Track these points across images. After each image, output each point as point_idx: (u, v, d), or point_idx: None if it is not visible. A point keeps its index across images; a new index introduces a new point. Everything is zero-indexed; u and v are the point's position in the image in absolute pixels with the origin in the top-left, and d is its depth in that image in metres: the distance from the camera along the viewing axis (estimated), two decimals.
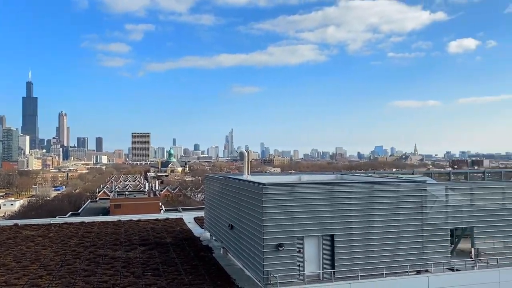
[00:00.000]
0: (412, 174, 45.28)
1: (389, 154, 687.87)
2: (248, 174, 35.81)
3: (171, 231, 45.68)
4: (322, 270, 26.65)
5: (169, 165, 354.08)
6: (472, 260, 29.18)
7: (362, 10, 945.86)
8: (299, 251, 26.28)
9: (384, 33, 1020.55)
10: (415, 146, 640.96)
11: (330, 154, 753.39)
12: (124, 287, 26.54)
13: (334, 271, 26.29)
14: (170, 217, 55.54)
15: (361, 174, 44.80)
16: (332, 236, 26.69)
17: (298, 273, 25.96)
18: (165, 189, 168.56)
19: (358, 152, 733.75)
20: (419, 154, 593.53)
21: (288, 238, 25.87)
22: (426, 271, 27.64)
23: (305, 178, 39.38)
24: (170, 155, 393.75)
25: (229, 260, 33.27)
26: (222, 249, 35.83)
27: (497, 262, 28.61)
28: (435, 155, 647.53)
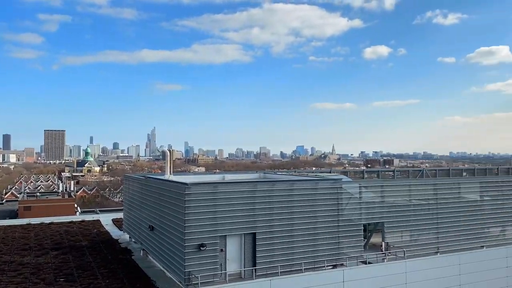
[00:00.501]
0: (330, 172, 47.44)
1: (310, 153, 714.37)
2: (170, 174, 35.13)
3: (87, 234, 43.42)
4: (244, 268, 26.95)
5: (85, 165, 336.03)
6: (383, 253, 31.29)
7: (285, 14, 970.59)
8: (221, 250, 26.33)
9: (305, 37, 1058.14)
10: (333, 146, 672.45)
11: (255, 153, 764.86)
12: None
13: (255, 269, 26.70)
14: (87, 219, 52.83)
15: (283, 173, 46.01)
16: (254, 234, 27.09)
17: (220, 272, 26.00)
18: (81, 189, 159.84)
19: (281, 152, 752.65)
20: (337, 154, 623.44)
21: (211, 238, 25.80)
22: (342, 265, 29.10)
23: (229, 177, 39.57)
24: (87, 154, 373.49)
25: (150, 262, 32.41)
26: (142, 251, 34.79)
27: (404, 254, 30.95)
28: (351, 154, 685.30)
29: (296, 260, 27.84)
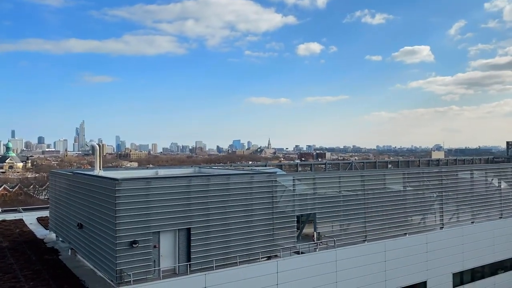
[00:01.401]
0: (266, 166, 48.16)
1: (246, 147, 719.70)
2: (100, 169, 33.70)
3: (9, 234, 40.47)
4: (178, 264, 26.61)
5: (6, 160, 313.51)
6: (315, 243, 32.37)
7: (220, 7, 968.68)
8: (155, 246, 25.78)
9: (241, 31, 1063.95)
10: (268, 140, 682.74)
11: (190, 148, 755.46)
12: None
13: (189, 264, 26.47)
14: (8, 218, 49.17)
15: (220, 167, 45.95)
16: (188, 230, 26.80)
17: (154, 269, 25.47)
18: (2, 187, 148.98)
19: (218, 146, 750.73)
20: (272, 148, 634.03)
21: (144, 234, 25.14)
22: (276, 256, 29.71)
23: (163, 172, 38.73)
24: (8, 148, 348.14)
25: (79, 262, 30.97)
26: (70, 250, 33.15)
27: (334, 243, 32.26)
28: (286, 148, 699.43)
29: (232, 253, 27.96)
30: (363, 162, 58.33)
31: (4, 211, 75.92)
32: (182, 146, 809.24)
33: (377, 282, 33.51)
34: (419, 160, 59.55)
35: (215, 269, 26.58)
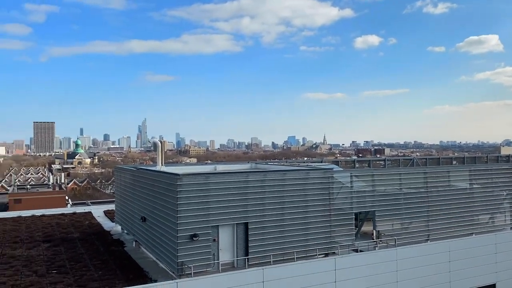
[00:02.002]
0: (321, 162, 47.60)
1: (301, 143, 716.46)
2: (162, 165, 35.00)
3: (79, 226, 43.25)
4: (237, 257, 27.10)
5: (76, 157, 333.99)
6: (374, 241, 31.61)
7: (275, 3, 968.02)
8: (214, 240, 26.42)
9: (296, 27, 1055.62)
10: (324, 136, 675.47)
11: (246, 144, 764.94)
12: (26, 287, 24.64)
13: (247, 258, 26.87)
14: (78, 211, 52.54)
15: (275, 163, 46.07)
16: (246, 224, 27.21)
17: (213, 262, 26.12)
18: (72, 182, 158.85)
19: (273, 142, 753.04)
20: (328, 144, 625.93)
21: (203, 228, 25.86)
22: (334, 253, 29.37)
23: (221, 168, 39.55)
24: (77, 145, 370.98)
25: (142, 253, 32.43)
26: (134, 242, 34.77)
27: (395, 242, 31.30)
28: (342, 144, 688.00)
29: (288, 249, 28.04)
30: (426, 159, 55.87)
31: (74, 204, 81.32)
32: (238, 143, 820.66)
33: (441, 283, 32.06)
34: (486, 156, 56.02)
35: (273, 264, 26.77)
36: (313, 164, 41.15)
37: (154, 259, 30.14)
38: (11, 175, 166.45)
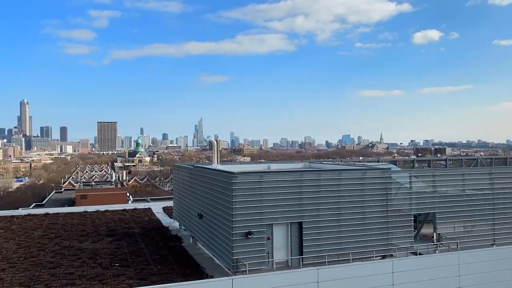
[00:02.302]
0: (378, 162, 46.34)
1: (356, 142, 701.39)
2: (217, 163, 35.72)
3: (139, 221, 45.16)
4: (291, 256, 27.08)
5: (136, 155, 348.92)
6: (434, 244, 30.32)
7: (329, 1, 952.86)
8: (268, 238, 26.57)
9: (351, 23, 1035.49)
10: (381, 135, 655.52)
11: (299, 143, 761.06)
12: (91, 278, 26.12)
13: (302, 258, 26.77)
14: (138, 207, 54.87)
15: (329, 162, 45.48)
16: (300, 223, 27.11)
17: (267, 260, 26.28)
18: (133, 179, 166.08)
19: (326, 141, 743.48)
20: (385, 143, 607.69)
21: (257, 226, 26.09)
22: (391, 255, 28.52)
23: (274, 166, 39.65)
24: (137, 144, 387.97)
25: (199, 249, 33.27)
26: (191, 238, 35.76)
27: (457, 245, 29.83)
28: (400, 143, 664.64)
29: (344, 250, 27.61)
30: (491, 158, 52.74)
31: (135, 201, 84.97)
32: (292, 141, 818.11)
33: None
34: None
35: (328, 265, 26.46)
36: (370, 164, 40.18)
37: (210, 255, 30.83)
38: (77, 172, 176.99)
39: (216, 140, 38.11)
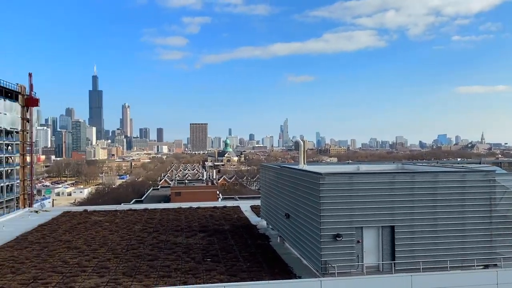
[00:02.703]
0: (479, 163, 42.77)
1: (454, 143, 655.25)
2: (304, 164, 35.59)
3: (229, 218, 46.60)
4: (382, 261, 26.04)
5: (225, 155, 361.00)
6: None
7: None
8: (358, 241, 25.82)
9: (448, 16, 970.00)
10: (482, 134, 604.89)
11: (390, 143, 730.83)
12: (185, 271, 27.49)
13: (394, 263, 25.61)
14: (228, 205, 56.66)
15: (424, 164, 43.00)
16: (392, 227, 25.95)
17: (357, 263, 25.55)
18: (222, 178, 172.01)
19: (420, 141, 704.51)
20: (487, 143, 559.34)
21: (347, 229, 25.47)
22: (495, 265, 26.14)
23: (364, 168, 38.50)
24: (226, 145, 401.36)
25: (286, 249, 33.40)
26: (278, 237, 36.02)
27: None
28: (505, 143, 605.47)
29: (441, 257, 25.87)
30: None
31: (224, 199, 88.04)
32: (382, 142, 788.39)
33: None
34: None
35: (422, 271, 25.01)
36: (470, 166, 37.24)
37: (298, 255, 30.78)
38: (172, 171, 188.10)
39: (302, 140, 38.00)
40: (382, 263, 25.99)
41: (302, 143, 37.11)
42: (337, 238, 25.11)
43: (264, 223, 42.91)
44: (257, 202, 52.12)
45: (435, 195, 26.32)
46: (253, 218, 46.89)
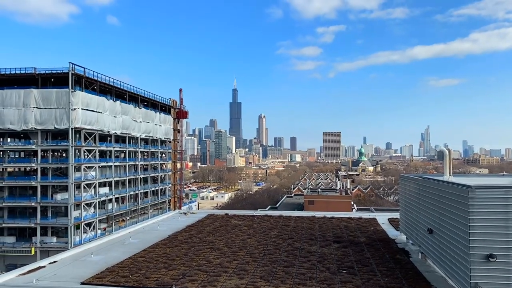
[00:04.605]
0: None
1: None
2: (449, 175, 32.70)
3: (365, 230, 45.15)
4: None
5: (359, 164, 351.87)
6: None
7: None
8: None
9: None
10: None
11: None
12: (320, 281, 27.43)
13: None
14: (363, 216, 54.96)
15: None
16: None
17: None
18: (356, 188, 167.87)
19: None
20: None
21: (502, 249, 22.55)
22: None
23: None
24: (360, 154, 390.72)
25: (428, 266, 31.00)
26: (420, 253, 33.64)
27: None
28: None
29: None
30: None
31: (359, 210, 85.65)
32: None
33: None
34: None
35: None
36: None
37: (442, 274, 28.31)
38: (305, 179, 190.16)
39: (448, 149, 34.94)
40: None
41: (447, 152, 34.18)
42: (490, 259, 22.40)
43: (403, 237, 40.52)
44: (395, 215, 49.52)
45: None
46: (391, 232, 44.63)
